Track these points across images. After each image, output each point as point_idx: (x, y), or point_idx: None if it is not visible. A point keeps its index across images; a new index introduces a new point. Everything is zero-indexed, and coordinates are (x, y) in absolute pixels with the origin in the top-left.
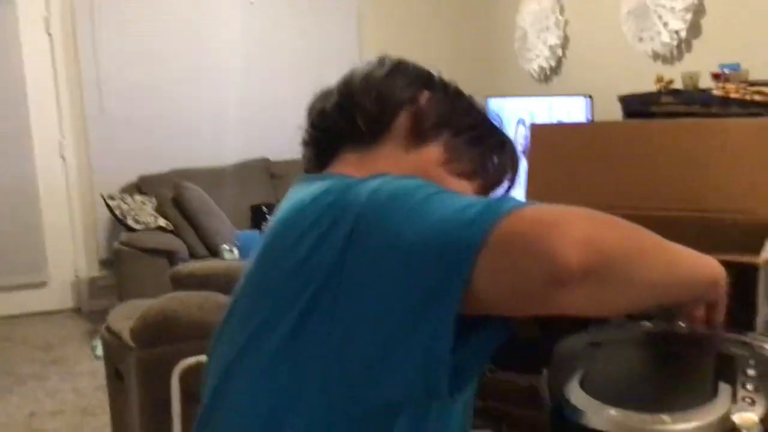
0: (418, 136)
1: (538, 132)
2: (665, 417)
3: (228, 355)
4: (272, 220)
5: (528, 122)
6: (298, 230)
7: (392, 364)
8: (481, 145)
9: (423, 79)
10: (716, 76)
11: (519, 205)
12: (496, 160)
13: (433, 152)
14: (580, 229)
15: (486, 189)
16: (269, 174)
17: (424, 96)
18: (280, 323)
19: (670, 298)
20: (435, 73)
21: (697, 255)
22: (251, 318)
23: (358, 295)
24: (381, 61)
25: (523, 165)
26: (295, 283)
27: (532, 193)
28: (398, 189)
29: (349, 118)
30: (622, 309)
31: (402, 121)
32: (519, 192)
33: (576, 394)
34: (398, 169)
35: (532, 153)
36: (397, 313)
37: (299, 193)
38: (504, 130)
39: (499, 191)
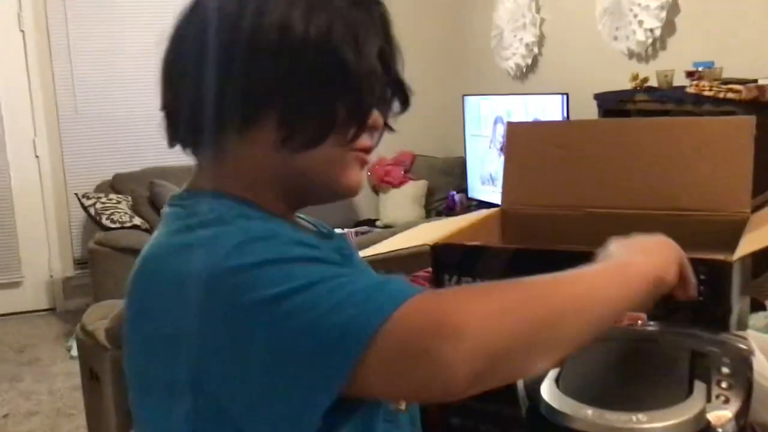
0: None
1: (515, 130)
2: (641, 416)
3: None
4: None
5: (505, 120)
6: (157, 302)
7: None
8: (317, 85)
9: None
10: (690, 74)
11: (402, 298)
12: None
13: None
14: (472, 334)
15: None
16: None
17: None
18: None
19: (602, 332)
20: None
21: (624, 272)
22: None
23: (218, 385)
24: None
25: (500, 163)
26: (166, 358)
27: (509, 191)
28: (257, 275)
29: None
30: (542, 372)
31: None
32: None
33: (552, 393)
34: (240, 176)
35: (508, 151)
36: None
37: (162, 236)
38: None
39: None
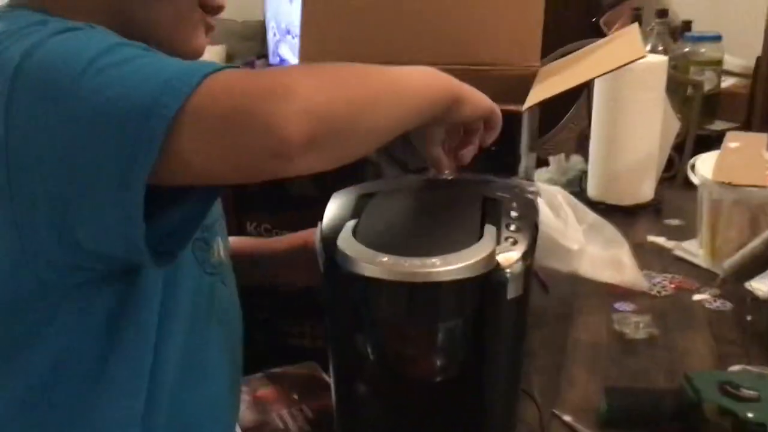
0: None
1: None
2: (435, 260)
3: None
4: None
5: None
6: None
7: (86, 236)
8: None
9: None
10: None
11: (227, 67)
12: None
13: None
14: (300, 96)
15: None
16: None
17: None
18: None
19: (411, 126)
20: None
21: (430, 77)
22: None
23: (31, 173)
24: None
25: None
26: None
27: (306, 45)
28: (66, 48)
29: None
30: (363, 154)
31: None
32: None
33: (347, 243)
34: (76, 8)
35: (306, 4)
36: (80, 190)
37: None
38: None
39: None
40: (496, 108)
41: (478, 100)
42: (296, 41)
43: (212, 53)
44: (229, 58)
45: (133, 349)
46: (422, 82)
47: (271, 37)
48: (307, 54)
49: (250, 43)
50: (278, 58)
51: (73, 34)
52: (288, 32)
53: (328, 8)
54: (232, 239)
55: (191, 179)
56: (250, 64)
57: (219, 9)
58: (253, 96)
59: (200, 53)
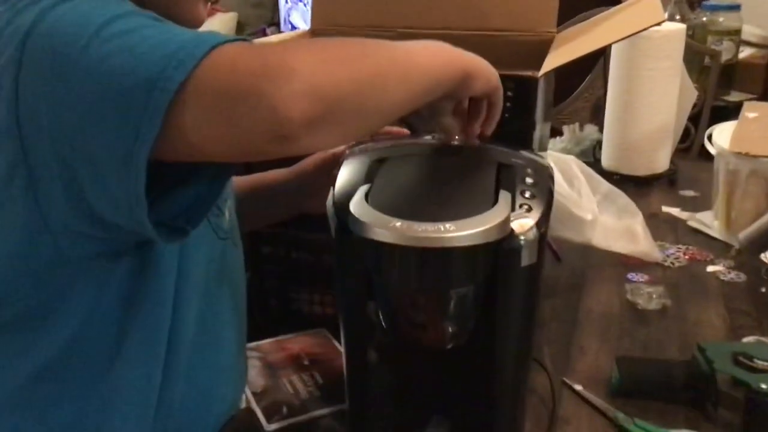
0: None
1: None
2: (448, 225)
3: None
4: None
5: None
6: None
7: (95, 205)
8: None
9: None
10: None
11: (232, 40)
12: None
13: None
14: (303, 76)
15: None
16: None
17: None
18: None
19: (420, 104)
20: None
21: (441, 53)
22: None
23: (42, 141)
24: None
25: None
26: None
27: (318, 10)
28: (75, 15)
29: None
30: (369, 133)
31: None
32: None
33: (360, 208)
34: None
35: None
36: (86, 161)
37: None
38: None
39: None
40: (500, 85)
41: (489, 73)
42: (308, 8)
43: (223, 20)
44: (240, 25)
45: (150, 318)
46: (432, 59)
47: (282, 5)
48: (318, 21)
49: (262, 11)
50: (290, 26)
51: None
52: None
53: None
54: (236, 179)
55: (194, 155)
56: (261, 32)
57: None
58: (256, 74)
59: (200, 22)
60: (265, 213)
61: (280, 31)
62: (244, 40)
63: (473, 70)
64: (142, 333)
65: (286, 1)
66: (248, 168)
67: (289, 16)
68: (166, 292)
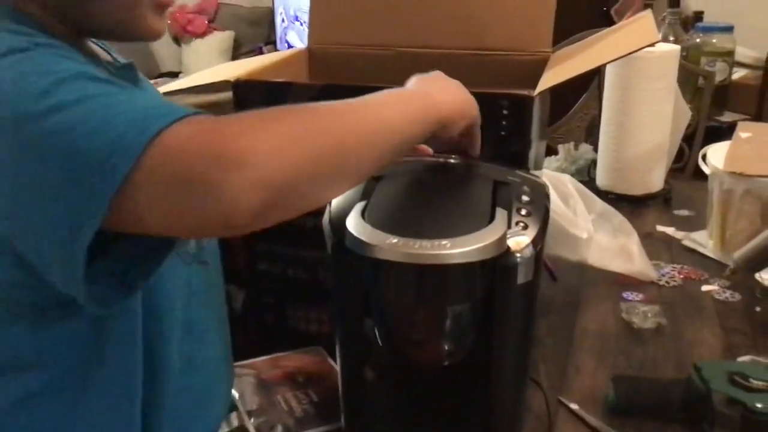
0: None
1: None
2: (445, 242)
3: None
4: None
5: None
6: None
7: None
8: None
9: None
10: None
11: (183, 116)
12: None
13: None
14: (255, 164)
15: None
16: None
17: None
18: None
19: (394, 159)
20: None
21: (409, 106)
22: None
23: None
24: None
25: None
26: None
27: (316, 29)
28: (18, 74)
29: None
30: (337, 196)
31: None
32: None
33: (357, 225)
34: None
35: None
36: (28, 230)
37: None
38: None
39: None
40: (477, 112)
41: (465, 110)
42: (304, 28)
43: (220, 39)
44: (237, 44)
45: (120, 361)
46: (404, 113)
47: (279, 24)
48: (316, 40)
49: (258, 29)
50: (286, 45)
51: (21, 56)
52: (296, 18)
53: None
54: None
55: (145, 232)
56: (258, 50)
57: None
58: (206, 162)
59: (157, 34)
60: None
61: (276, 50)
62: (197, 113)
63: (448, 114)
64: (112, 373)
65: (283, 20)
66: None
67: (285, 34)
68: (134, 333)
